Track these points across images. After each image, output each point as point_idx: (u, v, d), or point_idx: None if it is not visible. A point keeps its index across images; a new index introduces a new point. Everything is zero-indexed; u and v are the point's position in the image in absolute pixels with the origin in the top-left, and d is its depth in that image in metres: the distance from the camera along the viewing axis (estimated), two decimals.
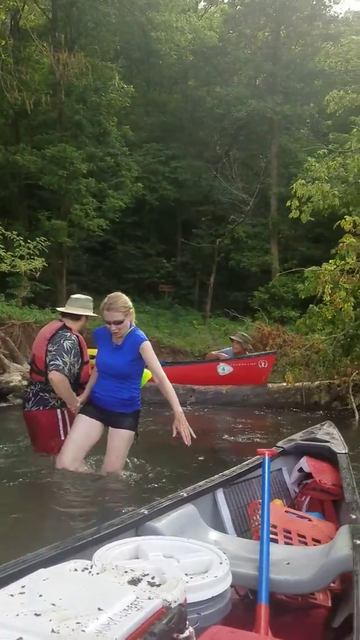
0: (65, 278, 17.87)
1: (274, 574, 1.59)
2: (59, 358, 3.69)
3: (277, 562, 1.66)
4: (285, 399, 7.28)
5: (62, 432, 3.82)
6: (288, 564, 1.69)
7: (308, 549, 1.87)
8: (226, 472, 2.36)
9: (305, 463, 2.67)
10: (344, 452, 2.71)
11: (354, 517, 1.81)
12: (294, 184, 7.94)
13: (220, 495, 2.24)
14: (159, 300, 21.57)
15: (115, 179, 18.41)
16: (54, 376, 3.63)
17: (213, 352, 8.53)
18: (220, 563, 1.31)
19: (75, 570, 1.12)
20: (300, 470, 2.69)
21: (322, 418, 6.54)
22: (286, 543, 1.95)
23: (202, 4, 25.89)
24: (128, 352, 3.61)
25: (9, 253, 9.93)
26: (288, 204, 8.04)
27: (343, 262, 6.81)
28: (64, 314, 4.09)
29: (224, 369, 7.81)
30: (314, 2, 23.94)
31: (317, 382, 7.15)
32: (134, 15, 17.10)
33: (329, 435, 3.05)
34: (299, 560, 1.71)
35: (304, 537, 1.98)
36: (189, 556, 1.34)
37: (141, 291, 21.81)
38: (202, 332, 18.16)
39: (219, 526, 2.15)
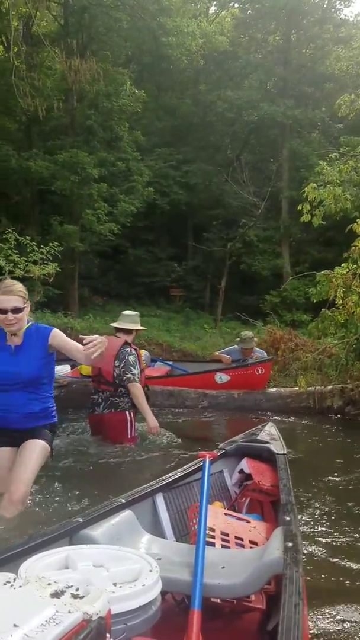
0: (77, 282, 17.98)
1: (209, 578, 1.57)
2: (130, 371, 4.57)
3: (212, 566, 1.65)
4: (298, 403, 7.25)
5: (129, 430, 4.69)
6: (223, 567, 1.68)
7: (244, 552, 1.86)
8: (166, 476, 2.32)
9: (245, 464, 2.66)
10: (282, 452, 2.72)
11: (287, 518, 1.81)
12: (306, 188, 7.93)
13: (159, 499, 2.20)
14: (170, 304, 21.61)
15: (127, 184, 18.50)
16: (134, 388, 4.55)
17: (216, 353, 8.47)
18: (150, 571, 1.28)
19: None
20: (241, 471, 2.67)
21: (335, 422, 6.52)
22: (223, 546, 1.93)
23: (213, 9, 25.98)
24: (35, 350, 2.98)
25: (23, 258, 10.01)
26: (299, 207, 8.03)
27: (355, 265, 6.78)
28: (118, 329, 4.88)
29: (221, 378, 7.80)
30: (325, 6, 23.92)
31: (329, 387, 7.11)
32: (145, 21, 17.18)
33: (270, 436, 3.05)
34: (234, 564, 1.70)
35: (241, 539, 1.97)
36: (119, 564, 1.31)
37: (152, 295, 21.88)
38: (213, 336, 18.13)
39: (159, 531, 2.12)
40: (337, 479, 4.17)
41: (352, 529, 3.19)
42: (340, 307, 6.84)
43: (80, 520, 1.70)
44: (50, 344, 3.00)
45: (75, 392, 6.80)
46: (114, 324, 5.05)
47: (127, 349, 4.71)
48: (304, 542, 2.83)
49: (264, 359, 7.80)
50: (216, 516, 2.06)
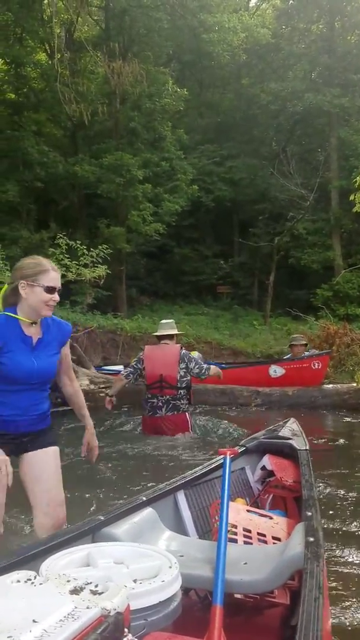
0: (125, 283, 18.15)
1: (231, 575, 1.57)
2: (202, 364, 5.20)
3: (234, 563, 1.66)
4: (356, 399, 7.00)
5: (190, 427, 5.18)
6: (245, 563, 1.68)
7: (266, 548, 1.86)
8: (187, 473, 2.32)
9: (267, 461, 2.65)
10: (304, 448, 2.70)
11: (309, 514, 1.81)
12: (358, 177, 7.66)
13: (181, 497, 2.20)
14: (217, 302, 21.49)
15: (171, 183, 18.52)
16: (211, 371, 5.18)
17: None
18: (170, 567, 1.28)
19: (18, 581, 1.08)
20: (263, 468, 2.66)
21: None
22: (246, 543, 1.93)
23: (253, 2, 25.66)
24: (53, 345, 2.51)
25: (74, 262, 10.17)
26: (352, 197, 7.76)
27: None
28: (162, 337, 5.36)
29: (275, 371, 7.63)
30: None
31: None
32: (186, 19, 17.14)
33: (292, 432, 3.03)
34: (256, 560, 1.70)
35: (264, 535, 1.97)
36: (140, 561, 1.32)
37: (199, 293, 21.82)
38: (263, 333, 17.89)
39: (181, 529, 2.12)
40: None
41: None
42: None
43: (102, 518, 1.71)
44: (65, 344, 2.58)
45: (128, 391, 6.83)
46: (157, 333, 5.48)
47: (185, 352, 5.23)
48: (331, 538, 2.84)
49: (320, 352, 7.59)
50: (238, 513, 2.06)
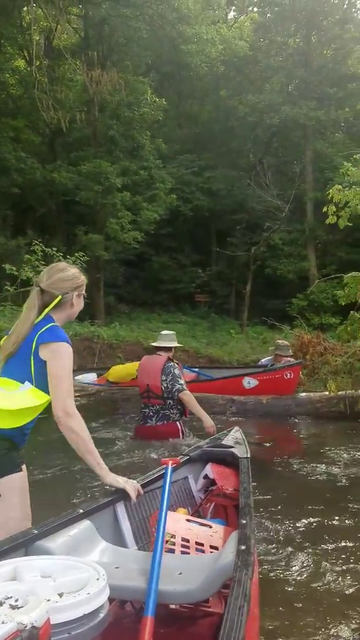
0: (103, 291, 18.11)
1: (165, 585, 1.56)
2: (177, 382, 5.08)
3: (169, 573, 1.64)
4: (328, 408, 7.11)
5: (181, 437, 5.22)
6: (180, 573, 1.66)
7: (202, 557, 1.86)
8: None
9: (209, 469, 2.64)
10: (245, 456, 2.70)
11: (243, 521, 1.80)
12: (330, 190, 7.81)
13: (120, 508, 2.17)
14: (195, 310, 21.59)
15: (150, 192, 18.60)
16: (185, 395, 5.05)
17: None
18: (97, 579, 1.27)
19: None
20: (206, 477, 2.66)
21: None
22: (183, 552, 1.92)
23: (232, 14, 26.04)
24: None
25: None
26: (325, 209, 7.91)
27: None
28: (159, 348, 5.35)
29: (249, 382, 7.70)
30: (345, 6, 23.70)
31: None
32: (165, 30, 17.30)
33: (235, 440, 3.03)
34: (192, 569, 1.69)
35: (202, 545, 1.96)
36: (67, 574, 1.29)
37: (177, 302, 21.90)
38: (239, 341, 18.01)
39: (119, 540, 2.10)
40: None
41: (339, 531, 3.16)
42: None
43: (35, 531, 1.67)
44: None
45: (103, 400, 6.81)
46: (155, 344, 5.52)
47: (170, 364, 5.22)
48: (279, 545, 2.90)
49: (292, 363, 7.68)
50: (178, 523, 2.05)
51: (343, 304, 7.43)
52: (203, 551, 1.95)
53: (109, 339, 14.63)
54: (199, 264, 22.59)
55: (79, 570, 1.32)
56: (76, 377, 8.50)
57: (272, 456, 5.21)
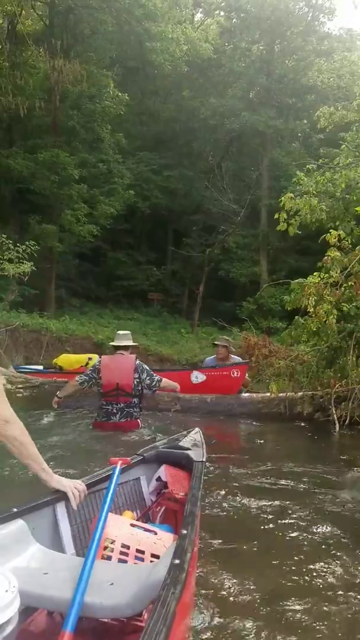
0: (55, 283, 17.86)
1: (93, 597, 1.45)
2: (154, 376, 5.39)
3: (100, 583, 1.51)
4: (269, 409, 7.30)
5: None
6: (112, 584, 1.53)
7: (138, 568, 1.72)
8: None
9: (163, 472, 2.51)
10: (200, 460, 2.57)
11: (184, 532, 1.65)
12: (283, 197, 8.02)
13: (61, 509, 1.99)
14: (147, 308, 21.63)
15: (108, 186, 18.50)
16: (165, 382, 5.46)
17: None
18: (6, 590, 1.17)
19: None
20: (159, 479, 2.52)
21: (303, 428, 6.61)
22: (120, 560, 1.77)
23: (198, 16, 26.19)
24: None
25: None
26: (276, 216, 8.12)
27: (327, 275, 6.88)
28: (118, 347, 5.53)
29: (197, 377, 7.80)
30: (309, 18, 24.34)
31: (300, 393, 7.18)
32: (131, 25, 17.25)
33: (193, 442, 2.90)
34: (125, 580, 1.55)
35: (142, 552, 1.82)
36: None
37: (130, 298, 21.87)
38: (190, 341, 18.21)
39: (57, 544, 1.93)
40: (291, 482, 4.21)
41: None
42: (313, 316, 6.93)
43: None
44: None
45: (47, 392, 6.76)
46: (114, 343, 5.71)
47: (140, 362, 5.48)
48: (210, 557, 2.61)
49: (240, 362, 7.85)
50: (120, 527, 1.90)
51: (289, 309, 7.65)
52: (143, 559, 1.81)
53: (58, 332, 14.47)
54: (154, 262, 22.65)
55: None
56: (20, 368, 8.40)
57: (214, 453, 5.33)
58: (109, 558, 1.76)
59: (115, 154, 18.99)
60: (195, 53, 20.07)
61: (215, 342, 8.38)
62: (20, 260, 10.32)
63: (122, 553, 1.81)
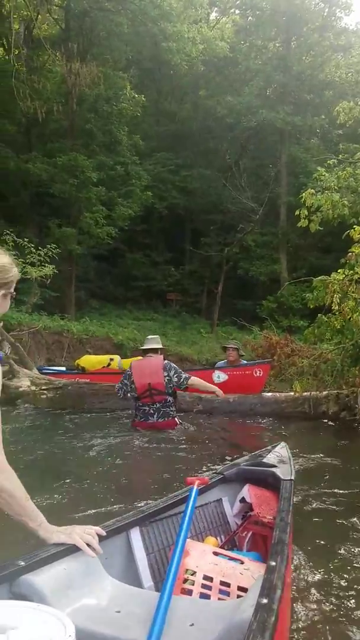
0: (74, 285, 17.97)
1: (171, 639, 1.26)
2: (183, 373, 5.55)
3: (179, 623, 1.33)
4: (293, 408, 7.22)
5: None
6: (192, 625, 1.34)
7: (222, 605, 1.51)
8: (146, 506, 1.89)
9: (247, 492, 2.27)
10: (289, 478, 2.29)
11: (272, 564, 1.44)
12: (303, 194, 7.94)
13: (135, 535, 1.79)
14: (166, 309, 21.63)
15: (125, 188, 18.55)
16: (193, 380, 5.52)
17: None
18: (66, 636, 1.07)
19: None
20: (243, 500, 2.28)
21: (330, 427, 6.51)
22: (202, 595, 1.56)
23: (213, 15, 26.12)
24: None
25: (20, 260, 10.01)
26: (297, 213, 8.03)
27: (352, 271, 6.78)
28: (147, 350, 5.75)
29: (219, 376, 7.76)
30: (325, 14, 24.10)
31: (325, 392, 7.09)
32: (146, 26, 17.27)
33: (278, 458, 2.63)
34: (207, 620, 1.36)
35: (228, 585, 1.61)
36: (27, 629, 1.07)
37: (149, 299, 21.90)
38: (209, 341, 18.16)
39: (131, 576, 1.73)
40: (328, 490, 4.12)
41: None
42: (337, 313, 6.83)
43: (22, 563, 1.38)
44: None
45: (70, 394, 6.79)
46: (143, 347, 5.94)
47: (168, 361, 5.64)
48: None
49: (262, 361, 7.78)
50: (202, 556, 1.69)
51: (311, 307, 7.55)
52: (228, 594, 1.59)
53: (79, 333, 14.55)
54: (172, 262, 22.64)
55: (44, 626, 1.08)
56: (44, 370, 8.46)
57: (239, 453, 5.28)
58: (189, 592, 1.56)
59: (132, 156, 19.04)
60: (211, 52, 20.01)
61: (225, 345, 8.38)
62: (42, 264, 10.40)
63: (204, 586, 1.59)
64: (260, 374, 7.65)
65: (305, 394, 7.04)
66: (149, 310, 20.97)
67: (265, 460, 2.56)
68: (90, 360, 8.32)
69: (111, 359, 8.21)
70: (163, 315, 20.68)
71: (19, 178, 17.25)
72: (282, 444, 2.94)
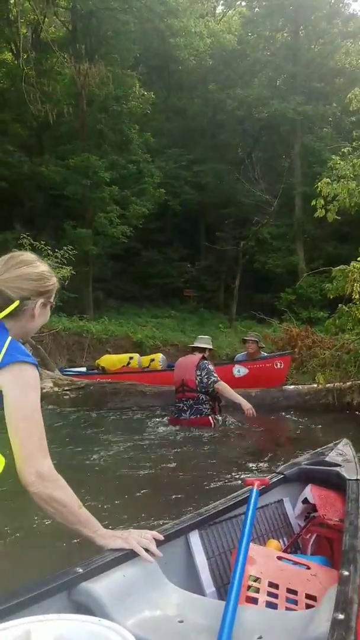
0: (91, 285, 18.06)
1: None
2: (212, 375, 5.53)
3: (246, 635, 1.23)
4: (316, 400, 7.15)
5: (213, 427, 5.52)
6: (260, 637, 1.23)
7: (292, 615, 1.41)
8: (204, 509, 1.83)
9: (309, 493, 2.18)
10: (355, 478, 2.17)
11: (345, 573, 1.35)
12: (319, 183, 7.85)
13: (195, 539, 1.71)
14: (184, 305, 21.62)
15: (138, 186, 18.56)
16: (220, 385, 5.49)
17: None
18: None
19: None
20: (305, 501, 2.19)
21: (355, 418, 6.44)
22: (268, 604, 1.46)
23: (219, 8, 25.96)
24: None
25: None
26: (313, 203, 7.95)
27: None
28: (194, 348, 5.95)
29: (239, 370, 7.72)
30: (333, 1, 23.76)
31: (348, 383, 7.02)
32: (153, 23, 17.24)
33: (342, 456, 2.51)
34: (276, 632, 1.26)
35: (295, 593, 1.51)
36: None
37: (166, 296, 21.90)
38: (228, 335, 18.09)
39: (192, 582, 1.65)
40: None
41: None
42: (358, 302, 6.75)
43: (80, 570, 1.34)
44: None
45: (93, 393, 6.82)
46: (193, 344, 6.11)
47: (205, 361, 5.70)
48: None
49: (283, 353, 7.73)
50: (266, 561, 1.60)
51: (331, 297, 7.47)
52: (296, 602, 1.48)
53: (98, 333, 14.62)
54: (187, 259, 22.61)
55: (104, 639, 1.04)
56: (65, 371, 8.52)
57: (266, 447, 5.26)
58: (254, 601, 1.46)
59: (144, 154, 19.04)
60: (219, 45, 19.92)
61: (245, 338, 8.31)
62: (59, 266, 10.45)
63: (270, 594, 1.49)
64: (280, 366, 7.60)
65: (328, 385, 6.98)
66: (167, 307, 20.98)
67: (327, 458, 2.46)
68: (110, 360, 8.35)
69: (130, 358, 8.22)
70: (181, 312, 20.67)
71: (33, 182, 17.39)
72: (345, 440, 2.81)
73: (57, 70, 18.44)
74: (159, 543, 1.52)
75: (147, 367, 8.14)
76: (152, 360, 8.29)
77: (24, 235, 10.71)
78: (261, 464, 4.32)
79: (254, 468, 4.17)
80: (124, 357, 8.45)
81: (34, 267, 1.59)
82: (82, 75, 15.63)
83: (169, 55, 19.17)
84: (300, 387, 7.56)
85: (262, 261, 21.38)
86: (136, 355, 8.40)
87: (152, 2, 16.62)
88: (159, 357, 8.42)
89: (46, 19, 17.21)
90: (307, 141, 21.75)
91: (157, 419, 6.03)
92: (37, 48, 17.51)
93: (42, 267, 1.62)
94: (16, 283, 1.54)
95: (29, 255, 1.64)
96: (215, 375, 5.60)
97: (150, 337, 15.76)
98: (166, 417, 5.86)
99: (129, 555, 1.43)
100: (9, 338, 1.45)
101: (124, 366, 8.09)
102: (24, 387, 1.40)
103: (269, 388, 7.40)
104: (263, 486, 1.99)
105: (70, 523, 1.43)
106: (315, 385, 7.15)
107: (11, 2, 16.77)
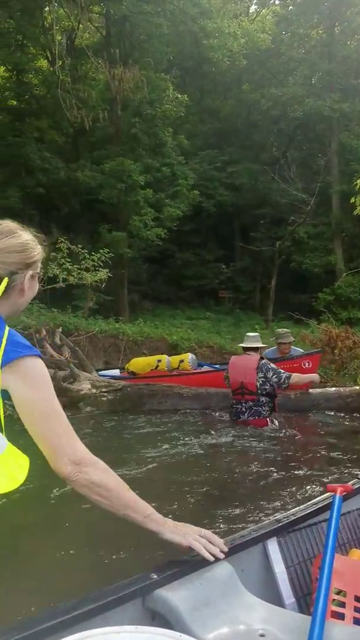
0: (127, 288, 18.18)
1: None
2: (282, 373, 5.49)
3: None
4: (358, 402, 6.97)
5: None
6: None
7: None
8: (282, 515, 1.78)
9: None
10: None
11: None
12: (358, 180, 7.67)
13: (273, 547, 1.63)
14: (219, 306, 21.51)
15: (172, 189, 18.59)
16: (292, 379, 5.48)
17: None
18: None
19: None
20: None
21: None
22: (356, 620, 1.37)
23: (253, 7, 25.79)
24: None
25: (76, 266, 10.21)
26: (352, 200, 7.77)
27: None
28: (247, 348, 5.76)
29: None
30: None
31: None
32: (186, 25, 17.24)
33: None
34: None
35: None
36: None
37: (201, 298, 21.86)
38: (265, 337, 17.81)
39: (271, 592, 1.56)
40: None
41: None
42: None
43: (155, 576, 1.27)
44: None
45: (130, 395, 6.82)
46: (243, 345, 5.93)
47: (264, 361, 5.58)
48: None
49: (311, 352, 7.55)
50: (351, 572, 1.50)
51: None
52: None
53: (134, 335, 14.67)
54: (222, 260, 22.50)
55: None
56: (101, 373, 8.56)
57: (304, 451, 5.13)
58: (340, 616, 1.37)
59: (177, 156, 19.06)
60: (253, 45, 19.75)
61: (280, 342, 8.08)
62: (96, 269, 10.57)
63: (357, 609, 1.39)
64: (309, 365, 7.43)
65: None
66: (202, 309, 20.92)
67: None
68: (138, 364, 8.23)
69: (159, 361, 8.09)
70: (216, 313, 20.57)
71: (69, 187, 17.65)
72: None
73: (92, 76, 18.68)
74: (236, 550, 1.45)
75: (177, 367, 8.02)
76: (182, 361, 8.15)
77: (61, 239, 10.86)
78: (330, 468, 4.21)
79: (318, 473, 4.03)
80: (152, 359, 8.32)
81: (16, 237, 1.41)
82: (117, 80, 15.76)
83: (203, 56, 19.13)
84: (341, 389, 7.38)
85: (299, 261, 21.04)
86: (164, 357, 8.28)
87: (185, 5, 16.63)
88: (188, 357, 8.29)
89: (80, 25, 17.49)
90: (344, 138, 21.31)
91: (209, 421, 5.99)
92: (72, 54, 17.79)
93: (25, 235, 1.45)
94: (0, 258, 1.37)
95: (8, 224, 1.44)
96: (282, 370, 5.56)
97: (186, 339, 15.71)
98: (213, 419, 5.82)
99: (206, 561, 1.35)
100: (7, 329, 1.30)
101: (152, 369, 7.99)
102: (33, 383, 1.29)
103: (308, 391, 7.23)
104: (345, 493, 1.89)
105: (118, 509, 1.32)
106: (357, 388, 6.97)
107: (46, 10, 17.09)
